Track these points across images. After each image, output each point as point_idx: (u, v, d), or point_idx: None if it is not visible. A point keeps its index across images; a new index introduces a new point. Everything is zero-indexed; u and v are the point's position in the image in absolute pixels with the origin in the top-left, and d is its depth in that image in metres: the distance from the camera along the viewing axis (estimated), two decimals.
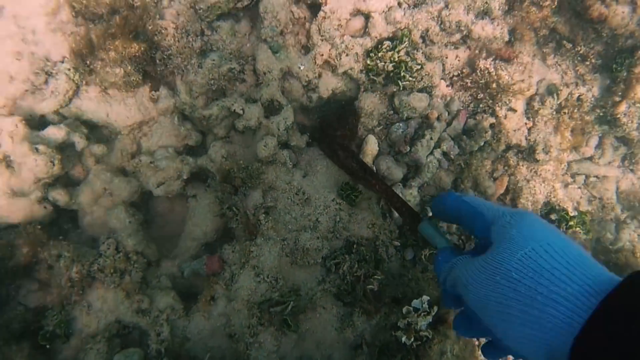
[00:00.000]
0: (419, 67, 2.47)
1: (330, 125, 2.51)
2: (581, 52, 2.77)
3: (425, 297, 2.13)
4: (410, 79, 2.48)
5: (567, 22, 2.71)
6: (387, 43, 2.48)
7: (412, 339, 2.02)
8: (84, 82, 2.54)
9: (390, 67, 2.44)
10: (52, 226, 2.48)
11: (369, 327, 2.14)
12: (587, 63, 2.80)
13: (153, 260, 2.38)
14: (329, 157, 2.45)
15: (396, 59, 2.42)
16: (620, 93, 2.75)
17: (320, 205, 2.36)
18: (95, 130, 2.66)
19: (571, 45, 2.78)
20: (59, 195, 2.41)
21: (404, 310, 2.03)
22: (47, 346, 2.06)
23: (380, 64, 2.46)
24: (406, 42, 2.44)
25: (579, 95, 2.83)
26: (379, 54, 2.45)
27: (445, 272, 1.12)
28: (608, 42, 2.71)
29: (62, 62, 2.53)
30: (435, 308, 2.10)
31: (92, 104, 2.58)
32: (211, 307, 2.17)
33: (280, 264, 2.22)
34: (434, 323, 2.11)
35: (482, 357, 2.44)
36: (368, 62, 2.51)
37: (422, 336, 2.04)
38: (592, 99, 2.83)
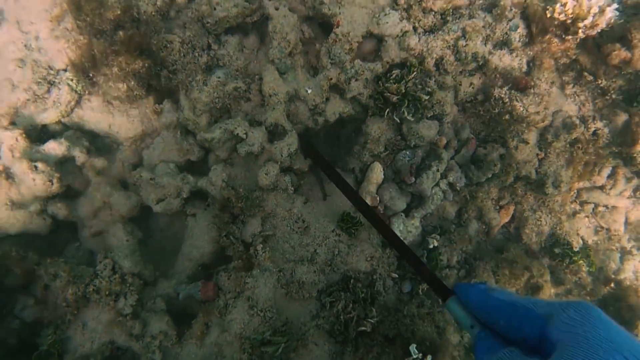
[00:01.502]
0: (427, 97, 2.38)
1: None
2: (602, 85, 2.66)
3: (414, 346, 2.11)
4: (420, 107, 2.39)
5: (590, 55, 2.59)
6: (395, 72, 2.39)
7: None
8: (86, 92, 2.50)
9: (394, 99, 2.36)
10: (51, 236, 2.49)
11: None
12: (607, 97, 2.69)
13: (150, 280, 2.38)
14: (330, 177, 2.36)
15: (402, 91, 2.34)
16: (636, 134, 2.65)
17: (319, 235, 2.34)
18: (96, 140, 2.62)
19: (592, 78, 2.67)
20: (58, 209, 2.40)
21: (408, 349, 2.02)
22: None
23: (387, 94, 2.38)
24: (414, 74, 2.35)
25: (595, 130, 2.73)
26: (386, 85, 2.36)
27: None
28: (631, 79, 2.59)
29: (65, 70, 2.47)
30: (429, 358, 2.09)
31: (94, 114, 2.54)
32: (204, 336, 2.17)
33: (275, 296, 2.21)
34: None
35: None
36: (374, 90, 2.43)
37: None
38: (608, 134, 2.72)
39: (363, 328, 2.13)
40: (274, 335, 2.03)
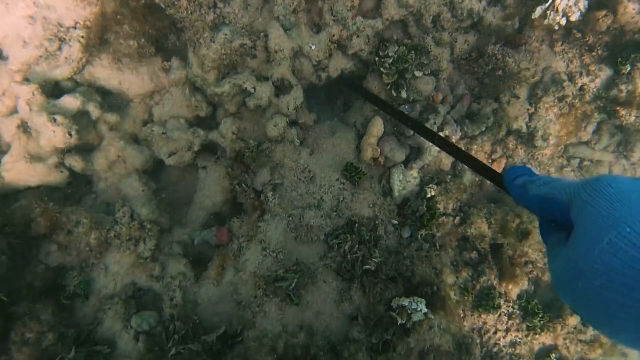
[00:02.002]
0: (421, 74, 2.52)
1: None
2: (589, 42, 2.80)
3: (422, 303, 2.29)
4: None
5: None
6: (392, 52, 2.49)
7: (406, 320, 2.20)
8: (96, 51, 2.58)
9: (390, 81, 2.50)
10: (68, 188, 2.60)
11: (365, 302, 2.33)
12: (594, 53, 2.84)
13: (165, 227, 2.52)
14: (369, 100, 2.55)
15: (396, 77, 2.47)
16: (623, 87, 2.81)
17: (325, 184, 2.48)
18: (107, 97, 2.71)
19: (580, 35, 2.81)
20: (75, 162, 2.51)
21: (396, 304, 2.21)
22: (69, 303, 2.24)
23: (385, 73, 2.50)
24: (410, 56, 2.46)
25: (582, 85, 2.88)
26: (381, 69, 2.48)
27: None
28: (616, 35, 2.74)
29: (75, 27, 2.54)
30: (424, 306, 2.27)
31: (105, 71, 2.62)
32: (220, 276, 2.33)
33: (286, 239, 2.37)
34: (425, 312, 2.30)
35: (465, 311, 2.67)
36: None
37: (414, 320, 2.23)
38: (595, 89, 2.89)
39: (368, 266, 2.31)
40: (286, 273, 2.20)
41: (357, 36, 2.53)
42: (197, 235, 2.47)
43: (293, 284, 2.13)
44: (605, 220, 0.72)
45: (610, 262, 0.69)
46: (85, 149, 2.63)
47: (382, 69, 2.46)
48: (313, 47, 2.54)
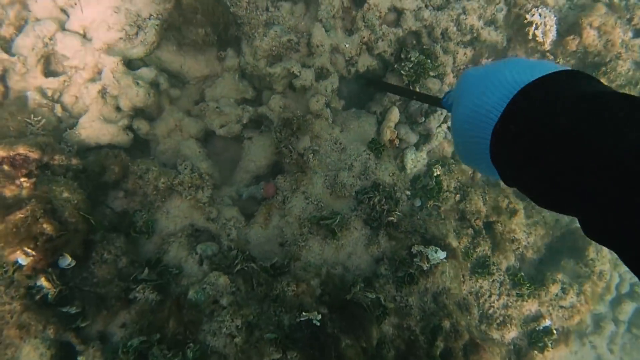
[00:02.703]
0: (435, 75, 3.15)
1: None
2: (560, 63, 3.52)
3: (435, 250, 2.75)
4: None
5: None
6: (413, 57, 3.11)
7: (425, 264, 2.65)
8: (165, 38, 3.08)
9: (408, 80, 3.12)
10: (128, 152, 2.99)
11: (390, 247, 2.77)
12: None
13: (217, 184, 2.92)
14: (390, 90, 3.14)
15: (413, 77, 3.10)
16: None
17: (353, 153, 2.98)
18: (169, 80, 3.19)
19: (552, 58, 3.53)
20: (142, 125, 2.93)
21: (416, 250, 2.66)
22: (137, 236, 2.57)
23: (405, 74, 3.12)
24: (427, 64, 3.10)
25: None
26: (405, 67, 3.11)
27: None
28: (580, 57, 3.47)
29: (150, 18, 3.06)
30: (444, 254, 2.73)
31: (170, 56, 3.12)
32: (267, 221, 2.74)
33: (323, 194, 2.82)
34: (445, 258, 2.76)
35: (465, 276, 3.10)
36: (397, 65, 3.16)
37: (431, 264, 2.67)
38: None
39: (391, 218, 2.77)
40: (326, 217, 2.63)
41: (382, 40, 3.15)
42: (245, 191, 2.89)
43: (337, 220, 2.56)
44: (457, 99, 1.08)
45: (456, 123, 1.05)
46: (146, 119, 3.06)
47: (402, 71, 3.06)
48: (347, 46, 3.13)
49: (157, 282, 2.31)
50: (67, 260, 2.24)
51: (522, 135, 0.82)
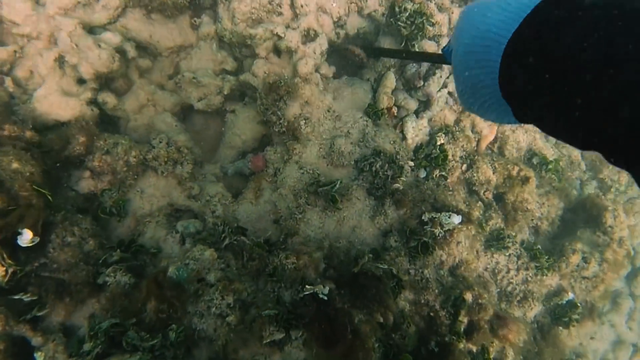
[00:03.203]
0: (432, 27, 2.88)
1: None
2: None
3: (448, 215, 2.46)
4: (423, 25, 2.87)
5: None
6: (408, 8, 2.85)
7: (438, 230, 2.34)
8: (131, 3, 2.75)
9: (406, 33, 2.83)
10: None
11: (398, 217, 2.44)
12: None
13: (198, 160, 2.57)
14: (385, 54, 2.88)
15: (411, 30, 2.82)
16: None
17: (350, 120, 2.67)
18: (137, 50, 2.84)
19: None
20: (109, 98, 2.58)
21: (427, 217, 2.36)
22: (106, 217, 2.20)
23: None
24: (424, 17, 2.83)
25: None
26: (401, 18, 2.83)
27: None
28: None
29: None
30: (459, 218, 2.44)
31: (137, 24, 2.78)
32: (258, 197, 2.39)
33: (319, 163, 2.49)
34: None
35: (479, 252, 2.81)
36: (391, 20, 2.88)
37: (445, 229, 2.36)
38: None
39: (397, 185, 2.45)
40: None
41: None
42: (231, 166, 2.54)
43: (337, 186, 2.23)
44: (459, 35, 1.02)
45: (462, 57, 0.99)
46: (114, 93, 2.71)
47: (399, 23, 2.77)
48: (334, 5, 2.85)
49: (130, 264, 1.94)
50: (27, 236, 1.86)
51: (538, 54, 0.78)
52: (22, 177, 1.94)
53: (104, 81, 2.61)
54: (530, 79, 0.80)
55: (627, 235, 3.32)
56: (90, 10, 2.67)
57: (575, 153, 3.81)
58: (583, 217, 3.42)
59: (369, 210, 2.45)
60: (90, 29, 2.70)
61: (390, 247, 2.34)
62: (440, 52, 2.99)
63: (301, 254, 1.97)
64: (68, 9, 2.63)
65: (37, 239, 1.92)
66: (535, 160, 3.36)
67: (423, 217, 2.42)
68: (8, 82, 2.49)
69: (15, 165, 1.94)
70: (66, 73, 2.54)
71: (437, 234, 2.36)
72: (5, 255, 1.74)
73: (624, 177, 3.92)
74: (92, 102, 2.59)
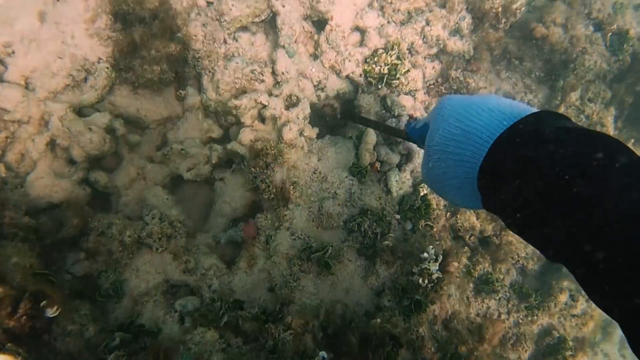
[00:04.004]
0: (407, 69, 3.02)
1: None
2: (527, 66, 3.48)
3: (430, 248, 2.55)
4: (402, 80, 3.02)
5: (517, 43, 3.43)
6: (381, 50, 3.03)
7: (427, 281, 2.42)
8: (117, 81, 2.85)
9: (385, 69, 2.98)
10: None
11: (389, 275, 2.52)
12: (532, 75, 3.51)
13: (191, 231, 2.63)
14: (360, 122, 2.97)
15: (389, 62, 2.96)
16: (559, 98, 3.46)
17: (336, 181, 2.77)
18: (126, 125, 2.93)
19: (519, 62, 3.49)
20: (100, 176, 2.65)
21: (421, 256, 2.44)
22: (104, 300, 2.23)
23: (377, 68, 2.99)
24: (396, 49, 3.00)
25: (528, 101, 3.51)
26: (375, 59, 2.99)
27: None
28: (547, 58, 3.44)
29: (99, 62, 2.83)
30: (440, 256, 2.53)
31: (124, 100, 2.87)
32: (252, 265, 2.45)
33: (309, 227, 2.57)
34: (440, 270, 2.53)
35: (472, 301, 2.88)
36: (365, 67, 3.03)
37: (434, 279, 2.45)
38: (538, 103, 3.52)
39: (387, 242, 2.54)
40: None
41: (349, 60, 3.02)
42: (223, 235, 2.61)
43: (329, 252, 2.30)
44: (439, 122, 1.07)
45: (440, 143, 1.04)
46: (104, 170, 2.77)
47: (374, 65, 2.93)
48: (313, 69, 2.98)
49: (132, 348, 1.97)
50: (52, 309, 1.93)
51: (521, 162, 0.83)
52: (22, 270, 1.98)
53: (94, 159, 2.68)
54: (513, 189, 0.84)
55: None
56: (79, 91, 2.76)
57: None
58: None
59: (360, 271, 2.53)
60: (80, 109, 2.79)
61: (384, 306, 2.40)
62: (414, 111, 3.14)
63: (298, 325, 2.03)
64: (58, 92, 2.72)
65: (60, 309, 1.98)
66: None
67: (413, 270, 2.50)
68: (0, 168, 2.54)
69: (14, 259, 1.98)
70: (57, 155, 2.61)
71: (427, 286, 2.44)
72: (21, 350, 1.77)
73: None
74: (84, 181, 2.65)
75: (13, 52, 2.68)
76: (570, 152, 0.77)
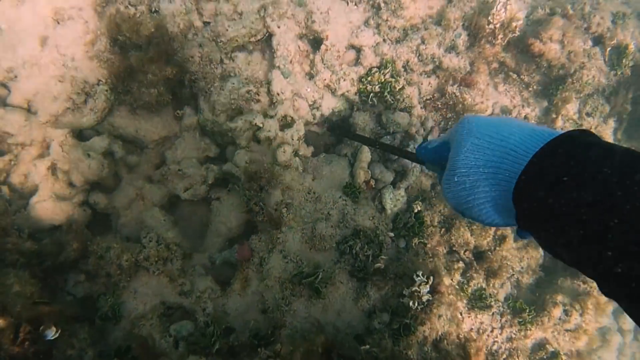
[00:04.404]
0: (401, 86, 3.04)
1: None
2: (525, 80, 3.48)
3: (421, 273, 2.60)
4: (394, 98, 3.04)
5: (514, 58, 3.42)
6: (375, 69, 3.05)
7: (417, 303, 2.47)
8: (116, 103, 2.91)
9: (377, 88, 3.00)
10: (89, 230, 2.76)
11: (380, 297, 2.58)
12: (530, 89, 3.51)
13: (187, 253, 2.71)
14: (354, 139, 2.99)
15: (382, 80, 2.99)
16: (556, 111, 3.46)
17: (329, 201, 2.82)
18: (125, 145, 3.00)
19: (516, 76, 3.49)
20: (100, 199, 2.73)
21: (413, 277, 2.49)
22: (103, 324, 2.33)
23: (369, 87, 3.02)
24: (390, 67, 3.02)
25: (525, 115, 3.51)
26: (369, 78, 3.01)
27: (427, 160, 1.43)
28: (545, 73, 3.43)
29: (98, 84, 2.89)
30: (431, 278, 2.58)
31: (123, 121, 2.94)
32: (246, 288, 2.52)
33: (302, 249, 2.63)
34: (430, 292, 2.58)
35: (462, 314, 2.93)
36: (360, 86, 3.06)
37: (424, 300, 2.50)
38: (535, 117, 3.52)
39: (378, 265, 2.59)
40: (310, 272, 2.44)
41: (344, 80, 3.05)
42: (219, 256, 2.68)
43: (320, 277, 2.37)
44: (464, 137, 1.04)
45: (467, 158, 1.01)
46: (103, 191, 2.85)
47: (368, 85, 2.96)
48: (308, 89, 3.02)
49: None
50: (52, 332, 2.04)
51: (569, 174, 0.81)
52: (23, 299, 2.07)
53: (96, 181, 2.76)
54: (560, 202, 0.82)
55: None
56: (79, 113, 2.83)
57: None
58: (563, 264, 3.55)
59: (352, 293, 2.59)
60: (80, 132, 2.87)
61: (374, 329, 2.47)
62: (410, 127, 3.16)
63: (286, 354, 2.10)
64: (59, 115, 2.79)
65: (59, 331, 2.09)
66: None
67: (404, 292, 2.55)
68: (5, 190, 2.63)
69: (16, 288, 2.08)
70: (59, 178, 2.70)
71: (417, 307, 2.49)
72: None
73: None
74: (84, 203, 2.73)
75: (15, 77, 2.76)
76: (618, 167, 0.76)
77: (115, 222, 2.82)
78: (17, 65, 2.77)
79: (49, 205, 2.61)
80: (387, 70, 3.01)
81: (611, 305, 4.06)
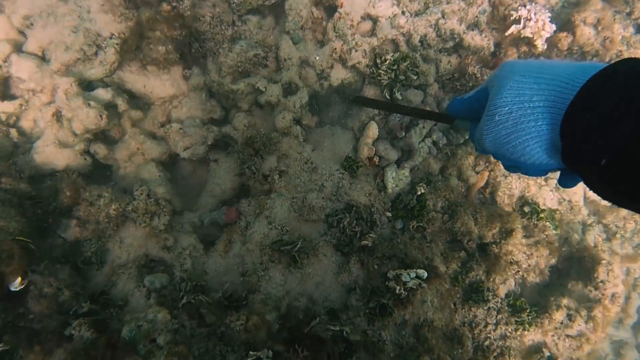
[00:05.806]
0: (415, 77, 2.89)
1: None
2: None
3: (413, 272, 2.48)
4: (407, 77, 2.90)
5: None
6: (389, 59, 2.89)
7: (402, 289, 2.37)
8: (128, 58, 2.95)
9: (386, 82, 2.87)
10: (89, 177, 2.83)
11: (363, 274, 2.50)
12: None
13: (177, 209, 2.73)
14: (371, 105, 2.86)
15: (393, 77, 2.85)
16: None
17: (325, 173, 2.74)
18: (132, 100, 3.04)
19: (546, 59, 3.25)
20: (99, 149, 2.78)
21: (392, 274, 2.39)
22: (85, 267, 2.38)
23: (383, 74, 2.89)
24: (407, 62, 2.86)
25: None
26: (379, 71, 2.87)
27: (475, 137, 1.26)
28: (578, 59, 3.18)
29: (111, 38, 2.93)
30: (425, 274, 2.46)
31: (132, 76, 2.97)
32: (228, 249, 2.51)
33: (289, 218, 2.58)
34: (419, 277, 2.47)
35: (457, 304, 2.80)
36: (372, 69, 2.93)
37: (408, 287, 2.39)
38: None
39: (365, 242, 2.51)
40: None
41: (355, 50, 2.94)
42: (207, 216, 2.68)
43: (298, 245, 2.31)
44: (508, 76, 1.01)
45: (510, 95, 0.98)
46: (107, 142, 2.91)
47: (380, 71, 2.83)
48: (317, 58, 2.93)
49: (95, 318, 2.10)
50: (16, 282, 2.09)
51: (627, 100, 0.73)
52: (5, 233, 2.14)
53: (100, 131, 2.81)
54: (615, 129, 0.75)
55: (623, 290, 3.21)
56: (90, 64, 2.89)
57: (576, 198, 3.71)
58: (577, 268, 3.33)
59: (334, 267, 2.52)
60: (89, 83, 2.93)
61: (351, 305, 2.39)
62: (424, 107, 3.02)
63: (252, 315, 2.07)
64: (69, 65, 2.86)
65: (26, 282, 2.15)
66: (526, 209, 3.30)
67: (388, 275, 2.46)
68: (13, 133, 2.73)
69: (0, 222, 2.15)
70: (63, 125, 2.76)
71: (399, 293, 2.39)
72: None
73: (631, 224, 3.78)
74: (86, 152, 2.79)
75: (32, 24, 2.84)
76: None
77: (116, 174, 2.87)
78: (34, 14, 2.85)
79: (50, 150, 2.69)
80: (405, 64, 2.85)
81: (629, 319, 3.78)
